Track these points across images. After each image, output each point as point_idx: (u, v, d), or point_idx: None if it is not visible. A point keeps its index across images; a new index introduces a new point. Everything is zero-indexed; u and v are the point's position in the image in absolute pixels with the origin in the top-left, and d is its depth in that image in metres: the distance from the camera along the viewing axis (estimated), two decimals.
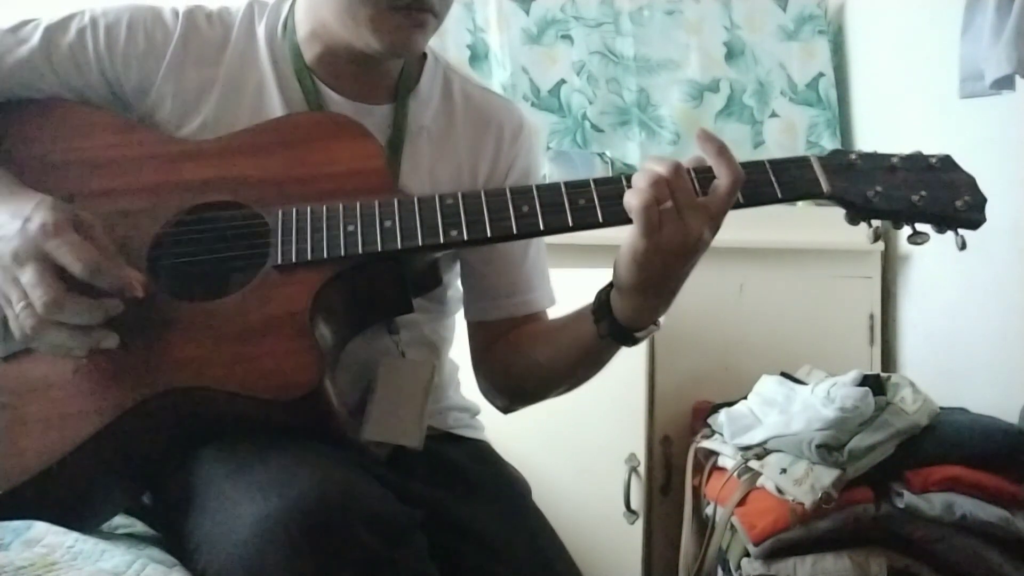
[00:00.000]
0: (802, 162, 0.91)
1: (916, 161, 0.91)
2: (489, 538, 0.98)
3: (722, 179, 0.86)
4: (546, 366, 1.05)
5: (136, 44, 1.01)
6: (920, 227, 0.90)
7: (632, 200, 0.85)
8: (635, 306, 0.91)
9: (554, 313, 1.13)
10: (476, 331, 1.13)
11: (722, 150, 0.86)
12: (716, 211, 0.86)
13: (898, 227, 0.91)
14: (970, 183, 0.90)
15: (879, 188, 0.89)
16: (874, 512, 1.47)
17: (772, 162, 0.90)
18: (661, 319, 0.94)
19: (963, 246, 0.89)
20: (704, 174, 0.88)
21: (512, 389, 1.11)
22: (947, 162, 0.91)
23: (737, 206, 0.89)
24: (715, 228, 0.86)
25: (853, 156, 0.91)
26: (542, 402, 1.11)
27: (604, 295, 0.94)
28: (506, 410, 1.14)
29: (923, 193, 0.88)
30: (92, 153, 0.97)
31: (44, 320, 0.81)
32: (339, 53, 1.02)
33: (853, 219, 0.91)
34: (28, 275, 0.81)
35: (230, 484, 0.81)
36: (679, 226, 0.84)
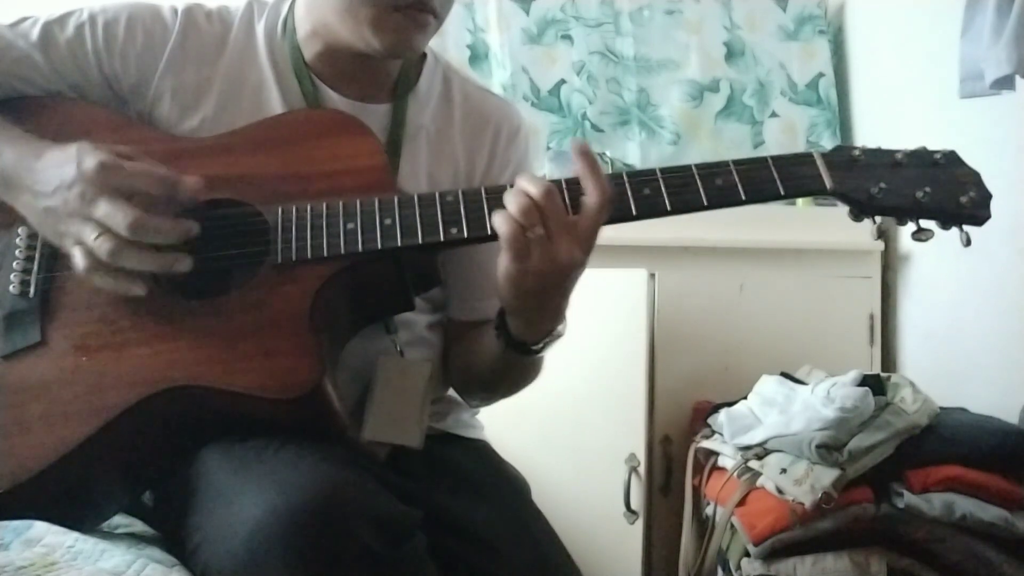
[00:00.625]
0: (805, 158, 0.91)
1: (920, 157, 0.91)
2: (489, 538, 0.98)
3: (591, 198, 0.85)
4: (476, 371, 1.06)
5: (135, 41, 1.00)
6: (924, 223, 0.90)
7: (500, 227, 0.84)
8: (523, 323, 0.92)
9: None
10: (453, 329, 1.12)
11: (593, 167, 0.85)
12: (586, 231, 0.85)
13: (902, 223, 0.91)
14: (975, 179, 0.89)
15: (883, 184, 0.89)
16: (874, 512, 1.47)
17: (775, 158, 0.90)
18: (560, 327, 0.93)
19: (968, 243, 0.89)
20: (576, 191, 0.86)
21: (466, 387, 1.12)
22: (952, 158, 0.91)
23: (739, 203, 0.88)
24: (588, 248, 0.85)
25: (857, 152, 0.91)
26: (493, 403, 1.11)
27: (501, 311, 0.94)
28: (470, 405, 1.15)
29: (927, 189, 0.88)
30: None
31: (128, 242, 0.83)
32: (339, 52, 1.01)
33: (857, 216, 0.91)
34: (103, 208, 0.84)
35: (230, 484, 0.81)
36: (548, 250, 0.83)
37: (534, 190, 0.84)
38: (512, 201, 0.84)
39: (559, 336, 0.95)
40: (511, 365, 0.99)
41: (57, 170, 0.86)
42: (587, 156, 0.85)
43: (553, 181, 0.86)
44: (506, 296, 0.89)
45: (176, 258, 0.87)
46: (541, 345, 0.94)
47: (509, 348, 0.95)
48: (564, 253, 0.84)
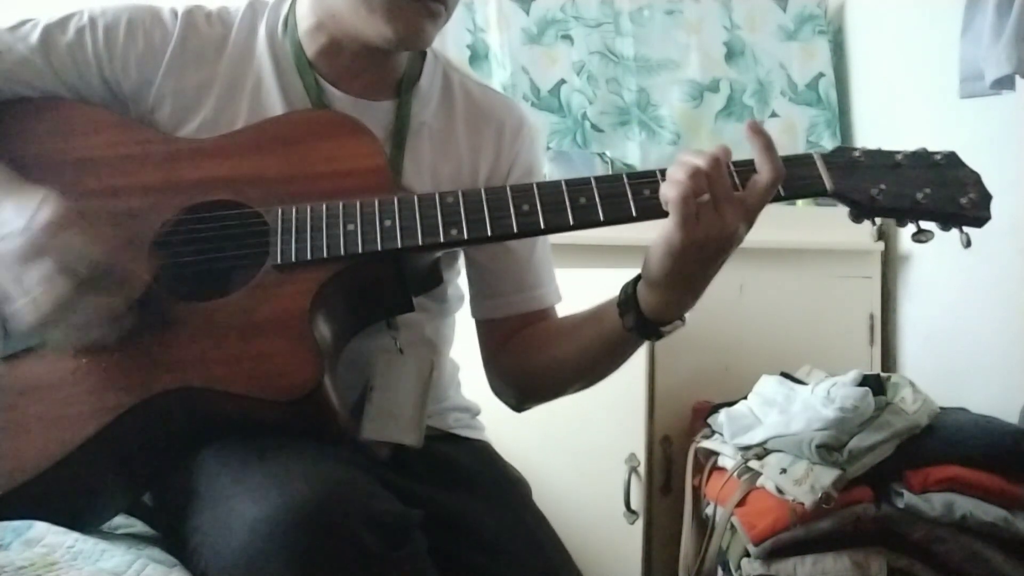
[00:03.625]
0: (806, 159, 0.91)
1: (921, 158, 0.91)
2: (489, 538, 0.98)
3: (764, 174, 0.86)
4: (566, 362, 1.04)
5: (135, 44, 1.00)
6: (924, 225, 0.90)
7: (669, 191, 0.85)
8: (664, 300, 0.91)
9: (560, 311, 1.13)
10: (486, 329, 1.13)
11: (768, 145, 0.86)
12: (753, 205, 0.86)
13: (902, 225, 0.91)
14: (975, 180, 0.89)
15: (883, 186, 0.89)
16: (874, 512, 1.47)
17: None
18: (687, 314, 0.94)
19: (968, 244, 0.89)
20: (741, 167, 0.88)
21: (527, 387, 1.11)
22: (952, 159, 0.91)
23: None
24: (750, 223, 0.86)
25: (857, 153, 0.91)
26: (557, 399, 1.10)
27: (631, 288, 0.94)
28: (518, 408, 1.13)
29: (928, 190, 0.88)
30: (92, 152, 0.96)
31: (49, 318, 0.81)
32: (344, 46, 1.01)
33: (857, 217, 0.91)
34: (35, 272, 0.81)
35: (230, 484, 0.80)
36: (715, 219, 0.84)
37: (701, 159, 0.85)
38: (679, 168, 0.85)
39: (684, 323, 0.94)
40: (621, 350, 0.99)
41: (14, 214, 0.84)
42: (762, 134, 0.86)
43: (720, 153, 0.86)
44: (659, 267, 0.88)
45: (105, 332, 0.84)
46: (670, 327, 0.93)
47: (633, 330, 0.94)
48: (730, 223, 0.84)
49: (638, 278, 0.93)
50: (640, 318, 0.93)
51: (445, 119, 1.08)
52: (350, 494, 0.78)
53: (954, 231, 0.90)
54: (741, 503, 1.57)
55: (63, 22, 1.00)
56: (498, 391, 1.14)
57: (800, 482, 1.47)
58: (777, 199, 0.89)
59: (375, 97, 1.05)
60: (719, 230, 0.84)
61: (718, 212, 0.84)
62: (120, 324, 0.85)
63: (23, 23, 1.00)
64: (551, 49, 2.49)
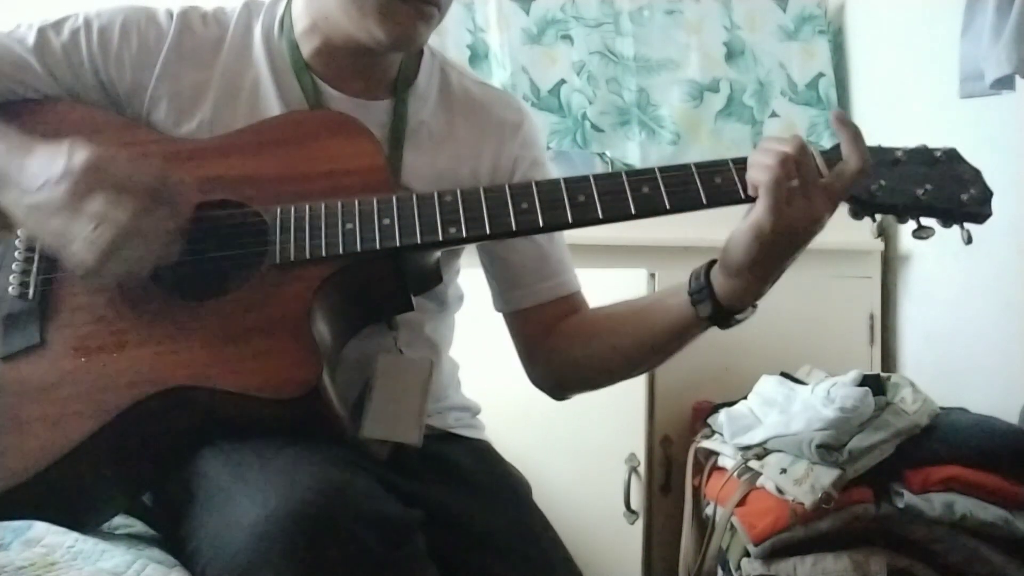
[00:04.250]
0: None
1: (921, 155, 0.91)
2: (489, 538, 0.98)
3: (851, 163, 0.86)
4: (622, 353, 1.04)
5: (129, 46, 1.00)
6: (925, 221, 0.90)
7: (760, 176, 0.85)
8: (744, 286, 0.91)
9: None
10: (519, 321, 1.12)
11: (857, 135, 0.87)
12: (839, 192, 0.87)
13: (903, 221, 0.91)
14: (976, 176, 0.89)
15: (883, 182, 0.89)
16: (874, 512, 1.46)
17: None
18: (758, 303, 0.94)
19: (969, 240, 0.89)
20: (825, 154, 0.88)
21: (574, 377, 1.10)
22: (952, 155, 0.91)
23: (739, 202, 0.89)
24: (833, 210, 0.87)
25: None
26: (600, 388, 1.11)
27: (703, 277, 0.94)
28: (560, 398, 1.13)
29: (928, 187, 0.88)
30: None
31: (128, 231, 0.82)
32: (338, 47, 1.01)
33: (857, 214, 0.91)
34: (98, 201, 0.82)
35: (230, 484, 0.81)
36: (805, 204, 0.85)
37: (788, 145, 0.85)
38: (766, 154, 0.86)
39: (754, 312, 0.95)
40: (686, 339, 0.99)
41: (46, 165, 0.85)
42: (850, 124, 0.88)
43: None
44: (744, 253, 0.88)
45: (173, 245, 0.87)
46: (743, 315, 0.94)
47: (707, 318, 0.94)
48: (819, 208, 0.85)
49: (709, 266, 0.93)
50: (716, 306, 0.93)
51: (444, 117, 1.08)
52: (350, 494, 0.78)
53: (955, 228, 0.90)
54: (741, 503, 1.57)
55: (58, 24, 1.00)
56: (539, 382, 1.13)
57: (800, 482, 1.47)
58: None
59: (372, 97, 1.05)
60: (808, 215, 0.85)
61: (807, 197, 0.85)
62: (172, 251, 0.86)
63: (19, 25, 1.01)
64: (551, 49, 2.48)
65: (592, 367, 1.08)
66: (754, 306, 0.94)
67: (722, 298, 0.92)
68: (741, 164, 0.89)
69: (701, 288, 0.94)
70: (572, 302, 1.11)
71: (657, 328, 1.00)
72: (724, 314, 0.93)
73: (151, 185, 0.85)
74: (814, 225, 0.86)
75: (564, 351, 1.09)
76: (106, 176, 0.83)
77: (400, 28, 0.96)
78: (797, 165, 0.85)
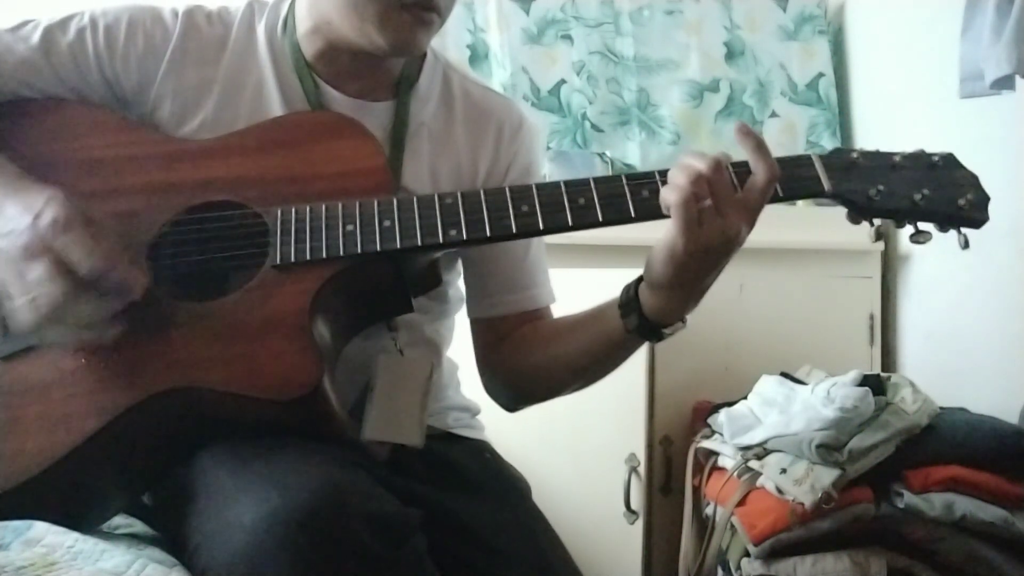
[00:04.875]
0: (804, 160, 0.91)
1: (918, 159, 0.91)
2: (489, 538, 0.98)
3: (759, 175, 0.86)
4: (562, 363, 1.04)
5: (135, 44, 1.01)
6: (922, 226, 0.90)
7: (671, 196, 0.85)
8: (667, 302, 0.91)
9: (559, 311, 1.12)
10: (480, 328, 1.13)
11: (760, 145, 0.86)
12: (753, 207, 0.86)
13: (900, 226, 0.91)
14: (973, 181, 0.89)
15: (881, 187, 0.89)
16: (874, 512, 1.47)
17: None
18: (688, 316, 0.93)
19: (966, 245, 0.89)
20: (739, 168, 0.87)
21: (522, 387, 1.11)
22: (950, 160, 0.91)
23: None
24: (752, 224, 0.87)
25: (855, 155, 0.91)
26: (551, 400, 1.10)
27: (632, 290, 0.94)
28: (511, 409, 1.13)
29: (925, 192, 0.88)
30: (92, 152, 0.96)
31: (48, 317, 0.81)
32: (340, 50, 1.02)
33: (855, 218, 0.91)
34: (36, 272, 0.81)
35: (230, 484, 0.80)
36: (719, 223, 0.84)
37: (702, 163, 0.84)
38: (680, 172, 0.85)
39: (685, 325, 0.94)
40: (620, 352, 0.99)
41: (19, 213, 0.84)
42: (752, 135, 0.86)
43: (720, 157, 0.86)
44: (662, 271, 0.88)
45: (102, 332, 0.84)
46: (671, 329, 0.93)
47: (635, 331, 0.94)
48: (733, 225, 0.84)
49: (640, 279, 0.93)
50: (642, 320, 0.93)
51: (444, 119, 1.08)
52: (350, 494, 0.78)
53: (952, 232, 0.90)
54: (741, 503, 1.57)
55: (64, 23, 1.00)
56: (492, 391, 1.13)
57: (800, 482, 1.47)
58: (775, 200, 0.89)
59: (374, 98, 1.05)
60: (722, 233, 0.84)
61: (721, 215, 0.84)
62: (116, 326, 0.85)
63: (24, 23, 1.01)
64: (551, 49, 2.49)
65: (536, 376, 1.08)
66: (683, 320, 0.93)
67: (647, 312, 0.92)
68: (741, 167, 0.89)
69: (628, 301, 0.94)
70: (535, 315, 1.11)
71: (593, 338, 1.00)
72: (651, 327, 0.93)
73: (97, 270, 0.82)
74: (730, 243, 0.85)
75: (510, 362, 1.09)
76: (61, 244, 0.81)
77: (400, 35, 0.96)
78: (710, 183, 0.84)
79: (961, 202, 0.88)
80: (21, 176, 0.90)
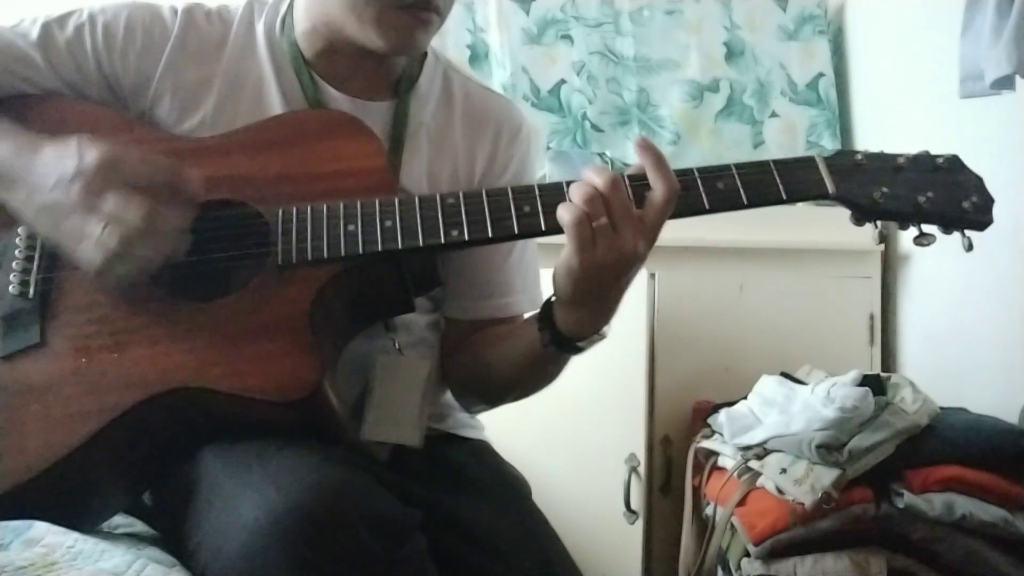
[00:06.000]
0: (807, 162, 0.90)
1: (923, 161, 0.90)
2: (489, 538, 0.98)
3: (658, 192, 0.84)
4: (498, 371, 1.04)
5: (134, 41, 1.00)
6: (926, 228, 0.90)
7: (564, 215, 0.84)
8: (575, 318, 0.91)
9: None
10: (448, 328, 1.12)
11: (659, 161, 0.85)
12: (652, 224, 0.85)
13: (904, 228, 0.91)
14: (977, 184, 0.89)
15: (885, 189, 0.88)
16: (874, 512, 1.47)
17: (777, 162, 0.90)
18: (606, 328, 0.93)
19: (970, 247, 0.88)
20: (641, 182, 0.86)
21: (469, 390, 1.11)
22: (954, 162, 0.90)
23: (741, 207, 0.88)
24: (651, 242, 0.85)
25: (859, 156, 0.90)
26: (498, 406, 1.10)
27: (548, 304, 0.93)
28: (469, 411, 1.13)
29: (930, 194, 0.88)
30: None
31: (139, 231, 0.82)
32: (340, 49, 1.01)
33: (859, 220, 0.90)
34: (112, 199, 0.82)
35: (230, 484, 0.80)
36: (613, 241, 0.83)
37: (599, 180, 0.83)
38: (577, 190, 0.84)
39: (603, 337, 0.93)
40: (545, 363, 0.98)
41: (57, 164, 0.85)
42: (652, 150, 0.85)
43: (617, 174, 0.85)
44: (563, 288, 0.88)
45: (183, 241, 0.87)
46: (587, 343, 0.93)
47: (552, 345, 0.93)
48: (628, 244, 0.83)
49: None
50: (556, 334, 0.92)
51: (444, 120, 1.08)
52: (350, 494, 0.78)
53: (955, 234, 0.90)
54: (741, 503, 1.57)
55: (63, 19, 1.00)
56: (452, 392, 1.13)
57: (800, 482, 1.47)
58: (779, 202, 0.89)
59: (373, 97, 1.05)
60: (618, 251, 0.83)
61: (617, 233, 0.83)
62: (180, 250, 0.87)
63: (23, 20, 1.01)
64: (551, 49, 2.49)
65: (476, 383, 1.08)
66: (600, 333, 0.92)
67: (561, 327, 0.92)
68: (744, 169, 0.88)
69: (544, 316, 0.94)
70: (505, 323, 1.10)
71: (517, 352, 1.00)
72: (565, 341, 0.92)
73: (162, 182, 0.85)
74: (626, 259, 0.84)
75: (460, 362, 1.09)
76: (117, 174, 0.84)
77: (398, 35, 0.96)
78: (605, 201, 0.83)
79: (965, 204, 0.88)
80: (38, 137, 0.90)
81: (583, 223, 0.83)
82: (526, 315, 1.09)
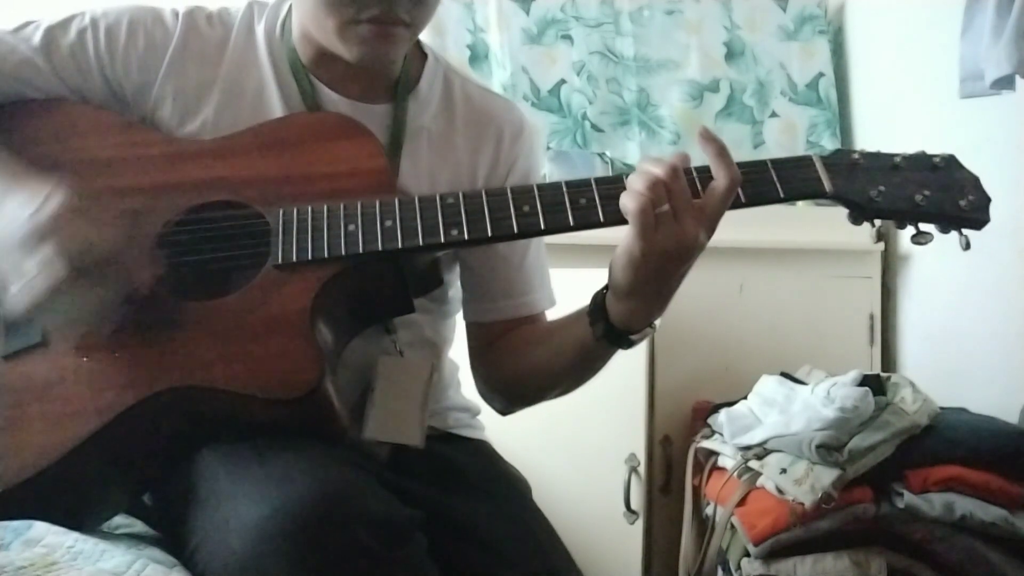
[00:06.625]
0: (805, 161, 0.91)
1: (919, 161, 0.91)
2: (489, 538, 0.98)
3: (720, 181, 0.85)
4: (543, 368, 1.04)
5: (136, 45, 1.01)
6: (924, 227, 0.90)
7: (628, 203, 0.84)
8: (630, 309, 0.90)
9: (553, 314, 1.13)
10: (473, 332, 1.13)
11: (722, 151, 0.86)
12: (712, 213, 0.85)
13: (901, 227, 0.91)
14: (974, 182, 0.89)
15: (882, 188, 0.89)
16: (874, 512, 1.47)
17: (774, 161, 0.90)
18: (657, 322, 0.93)
19: (967, 246, 0.89)
20: (701, 174, 0.87)
21: (509, 391, 1.11)
22: (951, 161, 0.91)
23: (738, 206, 0.89)
24: (711, 230, 0.86)
25: (856, 156, 0.91)
26: (539, 404, 1.10)
27: (600, 297, 0.93)
28: (503, 412, 1.13)
29: (926, 193, 0.88)
30: (94, 153, 0.97)
31: (43, 303, 0.81)
32: (332, 55, 1.01)
33: (856, 219, 0.91)
34: (35, 258, 0.81)
35: (230, 484, 0.81)
36: (675, 229, 0.84)
37: (659, 169, 0.84)
38: (638, 178, 0.85)
39: (655, 330, 0.93)
40: (593, 359, 0.98)
41: (20, 204, 0.85)
42: (715, 141, 0.86)
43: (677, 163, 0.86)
44: (621, 278, 0.88)
45: (95, 324, 0.85)
46: (639, 335, 0.93)
47: (603, 338, 0.93)
48: (690, 232, 0.84)
49: (607, 287, 0.92)
50: (609, 327, 0.92)
51: (445, 123, 1.08)
52: (350, 494, 0.78)
53: (953, 233, 0.90)
54: (741, 503, 1.57)
55: (65, 23, 1.00)
56: (483, 393, 1.13)
57: (800, 482, 1.47)
58: (777, 201, 0.89)
59: (372, 101, 1.05)
60: (679, 239, 0.84)
61: (678, 221, 0.84)
62: (112, 320, 0.85)
63: (26, 24, 1.01)
64: (551, 49, 2.49)
65: (519, 382, 1.08)
66: (652, 326, 0.93)
67: (614, 319, 0.92)
68: (742, 168, 0.88)
69: (595, 309, 0.94)
70: (529, 321, 1.10)
71: (567, 346, 1.00)
72: (619, 334, 0.92)
73: (102, 254, 0.83)
74: (688, 248, 0.85)
75: (497, 366, 1.10)
76: (62, 231, 0.82)
77: (362, 48, 0.95)
78: (667, 189, 0.83)
79: (962, 203, 0.88)
80: (25, 171, 0.90)
81: (647, 210, 0.83)
82: (547, 312, 1.11)
